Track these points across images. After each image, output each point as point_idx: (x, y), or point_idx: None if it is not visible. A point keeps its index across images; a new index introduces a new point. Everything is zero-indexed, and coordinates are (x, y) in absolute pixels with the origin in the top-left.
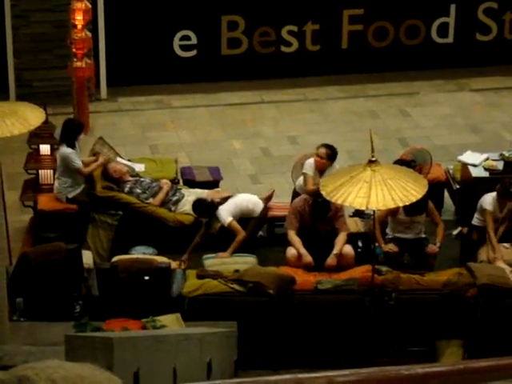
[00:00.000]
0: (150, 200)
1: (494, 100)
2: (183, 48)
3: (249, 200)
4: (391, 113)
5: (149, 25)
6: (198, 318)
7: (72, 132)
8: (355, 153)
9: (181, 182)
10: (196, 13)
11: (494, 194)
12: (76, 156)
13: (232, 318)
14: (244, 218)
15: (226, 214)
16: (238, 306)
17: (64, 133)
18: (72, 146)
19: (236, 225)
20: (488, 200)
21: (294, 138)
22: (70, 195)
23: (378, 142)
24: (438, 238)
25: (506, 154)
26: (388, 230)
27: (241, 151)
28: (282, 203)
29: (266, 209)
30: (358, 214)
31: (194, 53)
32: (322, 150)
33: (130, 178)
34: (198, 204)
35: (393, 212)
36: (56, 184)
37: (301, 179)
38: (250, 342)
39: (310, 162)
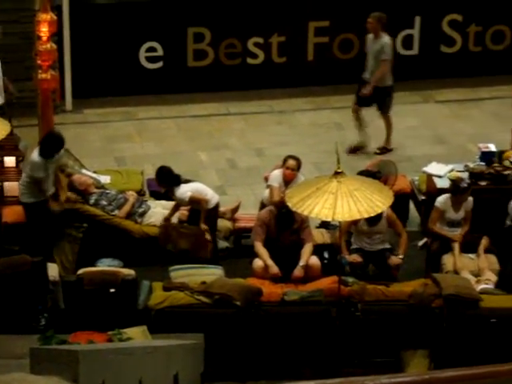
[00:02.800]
0: (116, 212)
1: (458, 111)
2: (149, 60)
3: (208, 189)
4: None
5: (115, 36)
6: (164, 331)
7: (52, 146)
8: (321, 164)
9: (147, 193)
10: (162, 24)
11: (448, 194)
12: (41, 168)
13: (199, 330)
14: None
15: (186, 189)
16: (204, 318)
17: (43, 144)
18: (46, 157)
19: (197, 195)
20: (439, 198)
21: (261, 150)
22: (23, 199)
23: (343, 153)
24: (401, 249)
25: (471, 166)
26: (352, 241)
27: (207, 163)
28: (249, 215)
29: (218, 205)
30: (324, 225)
31: (160, 64)
32: (292, 162)
33: (96, 190)
34: (162, 171)
35: (355, 222)
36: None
37: (267, 191)
38: (217, 354)
39: (276, 173)
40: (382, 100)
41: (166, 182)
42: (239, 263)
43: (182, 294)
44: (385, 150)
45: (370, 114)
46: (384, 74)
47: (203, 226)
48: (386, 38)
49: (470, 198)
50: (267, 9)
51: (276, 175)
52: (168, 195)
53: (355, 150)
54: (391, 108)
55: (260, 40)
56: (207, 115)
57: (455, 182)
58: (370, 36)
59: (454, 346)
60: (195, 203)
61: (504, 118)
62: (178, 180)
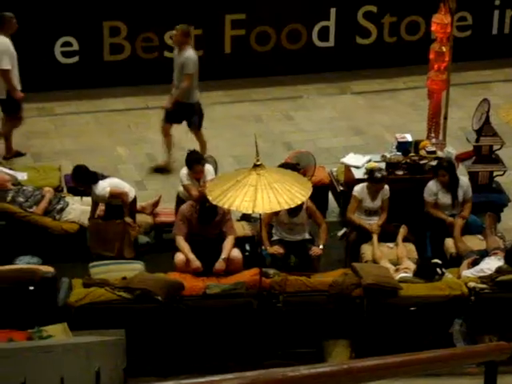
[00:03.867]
0: (34, 208)
1: (375, 102)
2: (65, 54)
3: (124, 183)
4: (275, 117)
5: (29, 31)
6: (85, 327)
7: None
8: (241, 157)
9: (65, 189)
10: (77, 19)
11: (365, 183)
12: None
13: (120, 325)
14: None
15: (104, 185)
16: (125, 314)
17: None
18: None
19: (117, 189)
20: (356, 187)
21: (179, 144)
22: None
23: (262, 146)
24: (321, 240)
25: (388, 156)
26: (273, 232)
27: (126, 157)
28: (169, 209)
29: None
30: (245, 217)
31: (76, 59)
32: (199, 167)
33: (12, 187)
34: (78, 171)
35: (276, 213)
36: None
37: (182, 187)
38: (140, 350)
39: (184, 172)
40: (188, 117)
41: (83, 180)
42: (160, 258)
43: (102, 290)
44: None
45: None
46: (185, 89)
47: (128, 220)
48: (189, 52)
49: (386, 187)
50: (183, 2)
51: (185, 174)
52: (86, 193)
53: (162, 169)
54: (201, 125)
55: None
56: (125, 109)
57: (370, 171)
58: (176, 49)
59: (375, 334)
60: (115, 198)
61: (419, 108)
62: (95, 177)
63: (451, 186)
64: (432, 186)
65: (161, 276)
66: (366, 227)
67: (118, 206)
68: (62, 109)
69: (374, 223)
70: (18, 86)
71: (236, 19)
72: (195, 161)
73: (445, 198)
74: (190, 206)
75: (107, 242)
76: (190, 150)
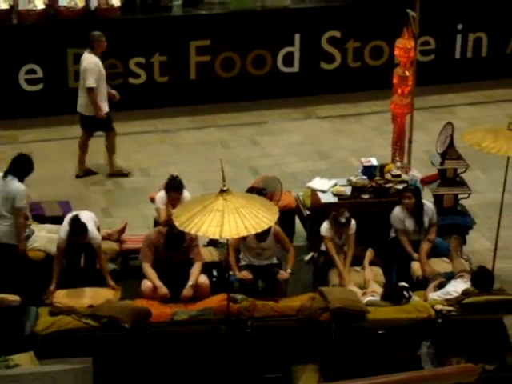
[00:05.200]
0: None
1: (340, 127)
2: (29, 82)
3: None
4: (241, 142)
5: None
6: (52, 356)
7: (24, 167)
8: (208, 183)
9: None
10: (41, 46)
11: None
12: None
13: (87, 353)
14: None
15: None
16: (93, 342)
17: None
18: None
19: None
20: (324, 227)
21: (146, 170)
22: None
23: (229, 171)
24: (289, 264)
25: (354, 180)
26: (241, 257)
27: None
28: (136, 236)
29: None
30: (213, 243)
31: (40, 86)
32: (175, 194)
33: None
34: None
35: (244, 238)
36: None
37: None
38: (107, 378)
39: (161, 195)
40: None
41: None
42: (127, 285)
43: (69, 318)
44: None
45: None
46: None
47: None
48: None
49: (353, 223)
50: (148, 29)
51: (161, 197)
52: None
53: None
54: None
55: (141, 60)
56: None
57: (335, 217)
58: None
59: (343, 358)
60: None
61: (384, 132)
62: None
63: (416, 211)
64: (398, 213)
65: (127, 303)
66: (337, 264)
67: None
68: (27, 137)
69: (344, 271)
70: (106, 106)
71: (201, 45)
72: (173, 187)
73: (411, 224)
74: (158, 233)
75: None
76: (171, 175)
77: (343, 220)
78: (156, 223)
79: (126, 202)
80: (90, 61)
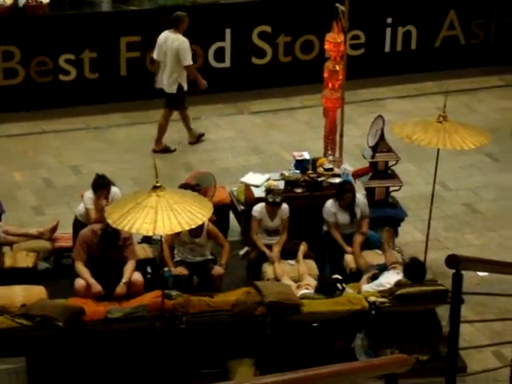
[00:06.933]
0: None
1: (272, 121)
2: None
3: None
4: (175, 138)
5: None
6: None
7: None
8: (141, 179)
9: None
10: None
11: (263, 203)
12: None
13: (21, 353)
14: None
15: None
16: (26, 341)
17: None
18: None
19: None
20: (255, 207)
21: (77, 168)
22: None
23: (162, 167)
24: (223, 260)
25: (286, 174)
26: (175, 253)
27: (23, 183)
28: (68, 234)
29: None
30: (146, 239)
31: None
32: (104, 193)
33: None
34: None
35: (178, 234)
36: None
37: (80, 207)
38: (41, 377)
39: (89, 195)
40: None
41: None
42: (60, 283)
43: (1, 318)
44: None
45: None
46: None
47: None
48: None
49: (285, 206)
50: (77, 25)
51: (89, 197)
52: None
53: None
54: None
55: (71, 56)
56: (21, 134)
57: (267, 192)
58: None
59: (278, 352)
60: None
61: (316, 126)
62: None
63: (349, 205)
64: (330, 206)
65: (60, 302)
66: (266, 254)
67: None
68: None
69: (274, 250)
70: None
71: (131, 41)
72: (100, 186)
73: (343, 217)
74: (91, 231)
75: None
76: (97, 174)
77: (270, 200)
78: (77, 222)
79: (57, 200)
80: (183, 40)
